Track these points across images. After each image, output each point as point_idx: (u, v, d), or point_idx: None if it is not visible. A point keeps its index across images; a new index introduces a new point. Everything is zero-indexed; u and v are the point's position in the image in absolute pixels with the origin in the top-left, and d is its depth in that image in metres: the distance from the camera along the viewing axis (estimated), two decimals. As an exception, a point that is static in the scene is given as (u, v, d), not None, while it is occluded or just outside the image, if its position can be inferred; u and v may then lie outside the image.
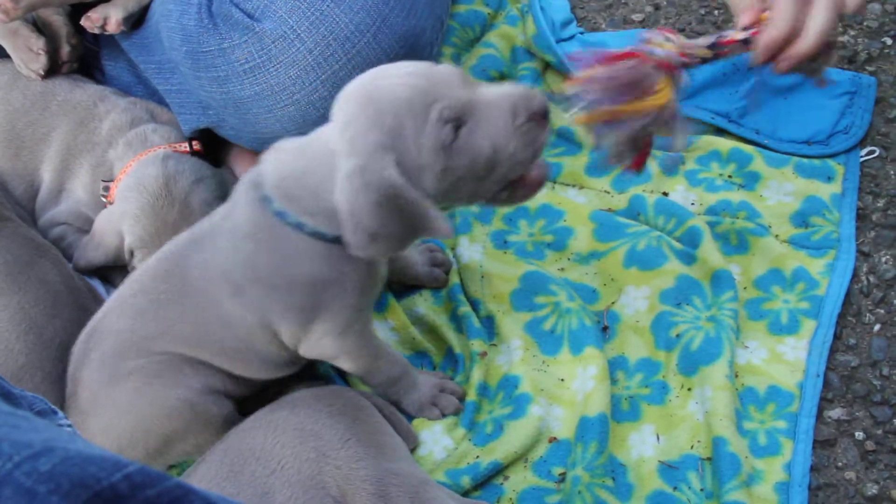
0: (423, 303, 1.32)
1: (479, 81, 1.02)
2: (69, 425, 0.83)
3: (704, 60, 1.09)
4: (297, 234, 1.03)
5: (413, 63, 1.01)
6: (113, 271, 1.36)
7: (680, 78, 1.07)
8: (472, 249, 1.36)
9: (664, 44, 1.06)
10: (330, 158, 0.98)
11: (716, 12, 1.64)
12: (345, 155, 0.96)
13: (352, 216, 0.95)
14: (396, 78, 0.98)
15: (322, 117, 1.24)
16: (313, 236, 1.03)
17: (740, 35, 1.09)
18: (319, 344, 1.10)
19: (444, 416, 1.21)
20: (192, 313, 1.09)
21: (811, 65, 1.10)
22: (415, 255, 1.32)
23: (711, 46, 1.08)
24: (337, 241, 1.02)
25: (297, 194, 1.02)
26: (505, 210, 1.40)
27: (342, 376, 1.26)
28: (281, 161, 1.04)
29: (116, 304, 1.14)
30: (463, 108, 0.97)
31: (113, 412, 1.11)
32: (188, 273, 1.09)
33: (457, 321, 1.30)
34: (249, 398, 1.18)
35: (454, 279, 1.33)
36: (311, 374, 1.25)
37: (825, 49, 1.08)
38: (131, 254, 1.30)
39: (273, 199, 1.03)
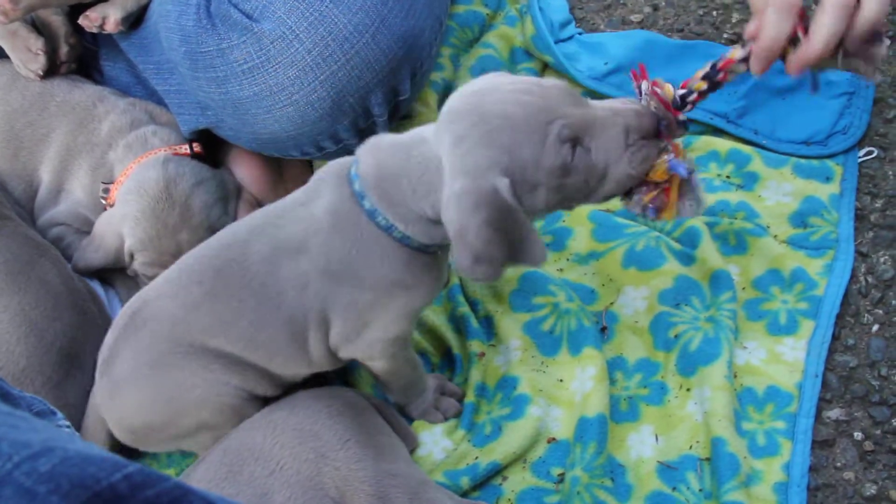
0: (422, 303, 1.32)
1: (586, 98, 1.02)
2: (68, 426, 0.83)
3: (704, 94, 1.08)
4: (384, 236, 1.03)
5: (520, 78, 1.00)
6: (112, 273, 1.36)
7: (675, 133, 1.04)
8: (471, 250, 1.36)
9: (650, 104, 1.03)
10: (433, 168, 0.97)
11: (714, 13, 1.64)
12: (455, 172, 0.95)
13: (460, 235, 0.95)
14: (508, 94, 0.97)
15: (321, 118, 1.25)
16: (400, 241, 1.03)
17: (738, 54, 1.08)
18: (368, 344, 1.09)
19: (445, 419, 1.21)
20: (249, 311, 1.07)
21: (851, 62, 1.07)
22: None
23: (707, 77, 1.08)
24: (422, 249, 1.03)
25: (394, 198, 1.01)
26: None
27: (342, 377, 1.26)
28: (381, 160, 1.02)
29: (171, 290, 1.11)
30: (580, 126, 0.97)
31: (152, 394, 1.10)
32: (249, 264, 1.06)
33: (455, 321, 1.30)
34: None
35: (453, 279, 1.33)
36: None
37: (864, 46, 1.06)
38: (131, 256, 1.30)
39: (368, 197, 1.02)
